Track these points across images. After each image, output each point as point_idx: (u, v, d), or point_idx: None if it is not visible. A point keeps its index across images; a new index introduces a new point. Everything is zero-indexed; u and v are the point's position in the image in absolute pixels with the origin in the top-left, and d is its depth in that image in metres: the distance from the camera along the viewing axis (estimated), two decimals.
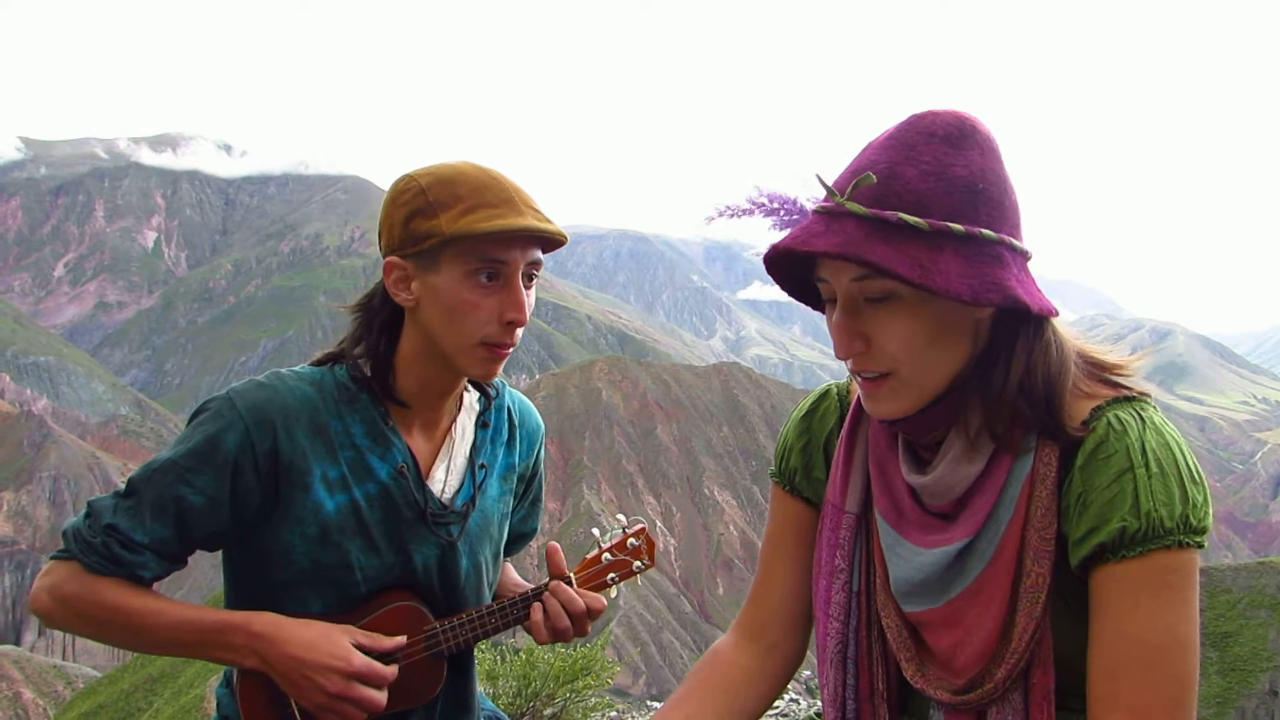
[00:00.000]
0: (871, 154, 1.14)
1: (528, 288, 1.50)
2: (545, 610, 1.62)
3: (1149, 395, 1.18)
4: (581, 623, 1.64)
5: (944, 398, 1.19)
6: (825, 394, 1.46)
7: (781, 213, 1.24)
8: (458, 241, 1.42)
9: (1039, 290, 1.15)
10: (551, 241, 1.49)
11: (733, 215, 1.26)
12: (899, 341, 1.14)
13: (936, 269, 1.07)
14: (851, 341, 1.16)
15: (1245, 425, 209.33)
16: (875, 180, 1.10)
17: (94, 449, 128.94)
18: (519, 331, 1.51)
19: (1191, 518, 1.08)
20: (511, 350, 1.52)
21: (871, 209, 1.10)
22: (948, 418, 1.20)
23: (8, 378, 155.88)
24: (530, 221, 1.44)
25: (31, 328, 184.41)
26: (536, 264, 1.50)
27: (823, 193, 1.16)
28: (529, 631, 1.65)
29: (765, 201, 1.25)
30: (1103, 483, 1.11)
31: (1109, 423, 1.13)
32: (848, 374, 1.27)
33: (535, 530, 1.88)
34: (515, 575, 1.88)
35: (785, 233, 1.21)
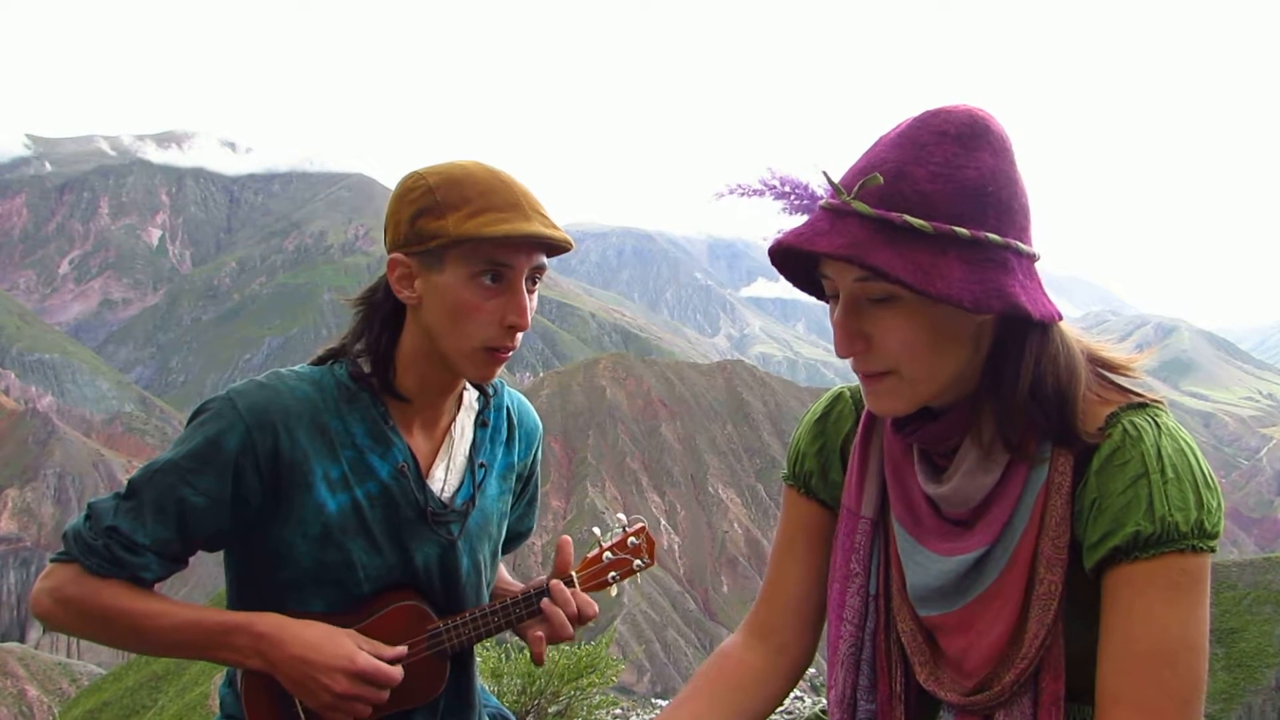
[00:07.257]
0: (881, 151, 1.13)
1: (531, 292, 1.50)
2: (549, 619, 1.62)
3: (1162, 401, 1.18)
4: (573, 625, 1.64)
5: (956, 406, 1.20)
6: (838, 397, 1.45)
7: (793, 197, 1.23)
8: (463, 244, 1.42)
9: (1044, 295, 1.14)
10: (557, 247, 1.49)
11: (743, 194, 1.24)
12: (900, 343, 1.14)
13: (939, 274, 1.07)
14: (853, 341, 1.17)
15: (1250, 421, 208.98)
16: (882, 181, 1.09)
17: (99, 446, 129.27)
18: (519, 335, 1.50)
19: (1205, 522, 1.09)
20: (511, 354, 1.53)
21: (877, 209, 1.09)
22: (961, 426, 1.20)
23: (13, 375, 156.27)
24: (537, 227, 1.44)
25: (36, 325, 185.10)
26: (541, 269, 1.50)
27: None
28: (525, 640, 1.66)
29: (777, 184, 1.23)
30: (1118, 488, 1.11)
31: (1124, 429, 1.14)
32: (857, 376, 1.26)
33: (531, 529, 1.90)
34: (506, 574, 1.88)
35: (795, 218, 1.21)
